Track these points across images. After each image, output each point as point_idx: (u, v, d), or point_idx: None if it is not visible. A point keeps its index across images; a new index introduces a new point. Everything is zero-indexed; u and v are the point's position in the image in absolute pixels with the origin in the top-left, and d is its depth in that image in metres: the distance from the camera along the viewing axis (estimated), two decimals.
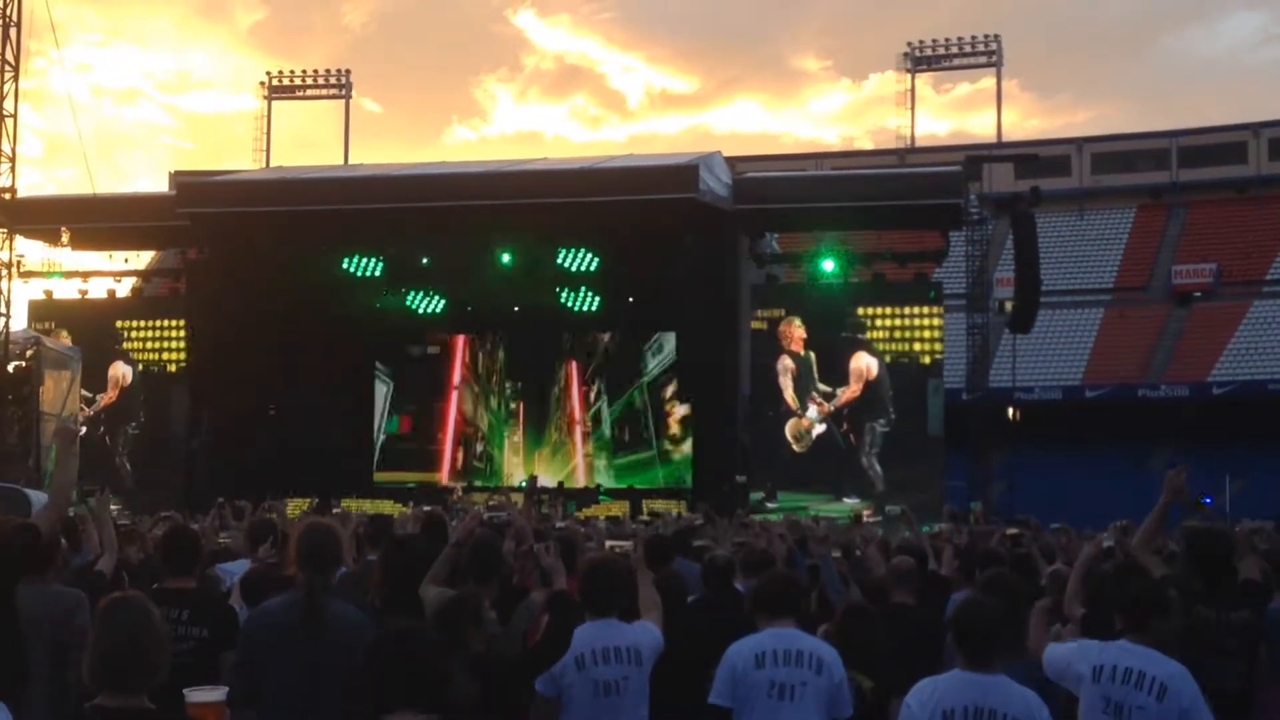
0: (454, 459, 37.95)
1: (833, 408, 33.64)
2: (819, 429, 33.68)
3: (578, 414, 37.27)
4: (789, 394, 33.65)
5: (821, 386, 33.54)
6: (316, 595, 5.86)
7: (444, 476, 37.53)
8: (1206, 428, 44.37)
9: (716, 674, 6.41)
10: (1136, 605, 6.07)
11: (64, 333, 35.80)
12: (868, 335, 33.52)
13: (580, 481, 36.65)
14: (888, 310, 33.59)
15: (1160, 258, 55.31)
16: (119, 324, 36.91)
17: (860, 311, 33.41)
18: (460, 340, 38.18)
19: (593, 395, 37.24)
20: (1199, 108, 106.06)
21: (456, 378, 38.22)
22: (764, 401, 33.62)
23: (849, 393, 33.64)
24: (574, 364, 37.34)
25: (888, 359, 33.17)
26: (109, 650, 4.19)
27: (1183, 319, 51.95)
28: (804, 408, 33.67)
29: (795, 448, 33.73)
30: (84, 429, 35.74)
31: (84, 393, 35.52)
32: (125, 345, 36.76)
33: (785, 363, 33.78)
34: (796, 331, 33.80)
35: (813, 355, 33.58)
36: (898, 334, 33.65)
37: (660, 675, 6.72)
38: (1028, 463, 42.38)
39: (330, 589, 6.06)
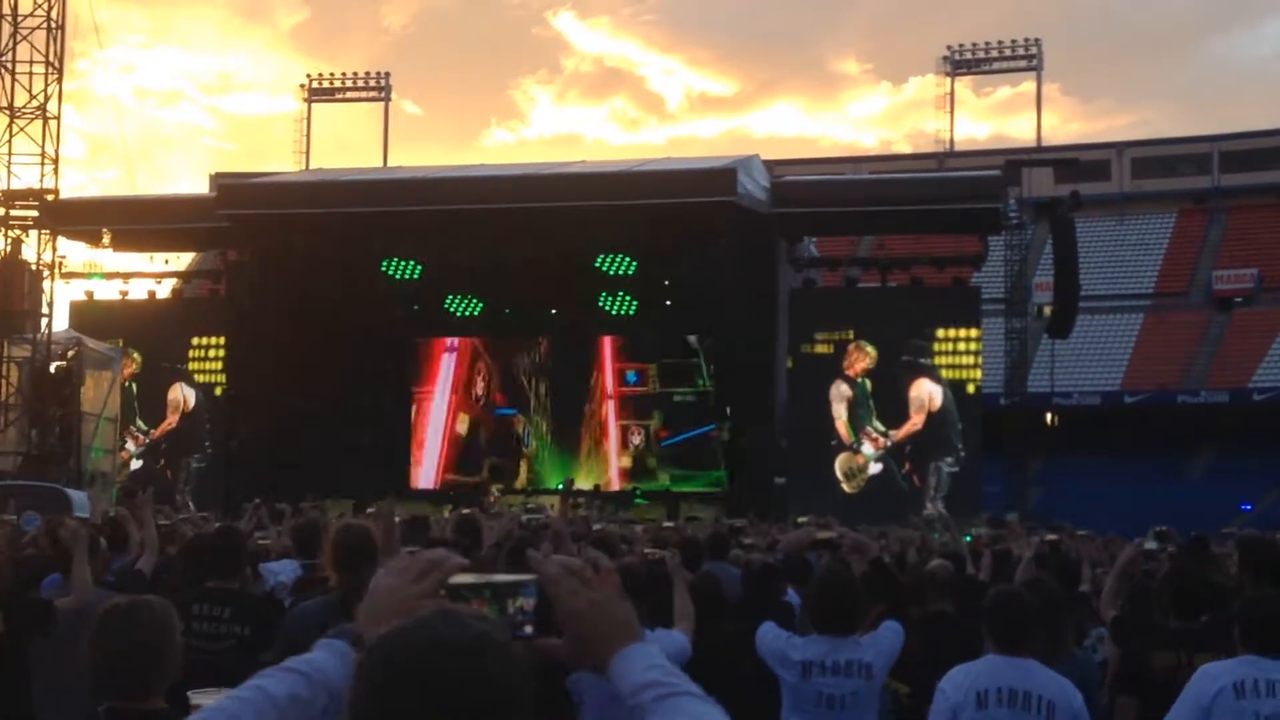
0: (491, 461, 37.93)
1: (891, 443, 32.63)
2: (875, 468, 32.60)
3: (613, 418, 37.20)
4: (841, 425, 32.83)
5: (877, 423, 32.68)
6: (354, 596, 5.88)
7: (481, 478, 37.52)
8: (1246, 434, 44.07)
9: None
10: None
11: (134, 355, 35.52)
12: (933, 360, 32.64)
13: (615, 485, 36.59)
14: (947, 332, 32.97)
15: (1201, 263, 54.96)
16: (195, 340, 35.99)
17: (913, 328, 32.61)
18: (498, 343, 38.13)
19: (629, 399, 37.16)
20: (1241, 112, 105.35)
21: (494, 382, 38.21)
22: (805, 408, 33.33)
23: (910, 426, 32.53)
24: (610, 368, 37.27)
25: (951, 380, 32.40)
26: (104, 657, 4.19)
27: (1223, 325, 51.60)
28: (859, 443, 32.78)
29: (846, 487, 32.57)
30: (139, 462, 35.57)
31: (139, 423, 35.09)
32: (180, 363, 36.06)
33: (840, 389, 32.99)
34: (863, 357, 33.08)
35: (868, 383, 32.92)
36: (958, 359, 32.90)
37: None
38: (1066, 469, 42.20)
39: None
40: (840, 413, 32.95)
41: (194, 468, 35.64)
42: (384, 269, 34.88)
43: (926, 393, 32.65)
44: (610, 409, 37.10)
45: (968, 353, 33.07)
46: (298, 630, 6.00)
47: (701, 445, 35.42)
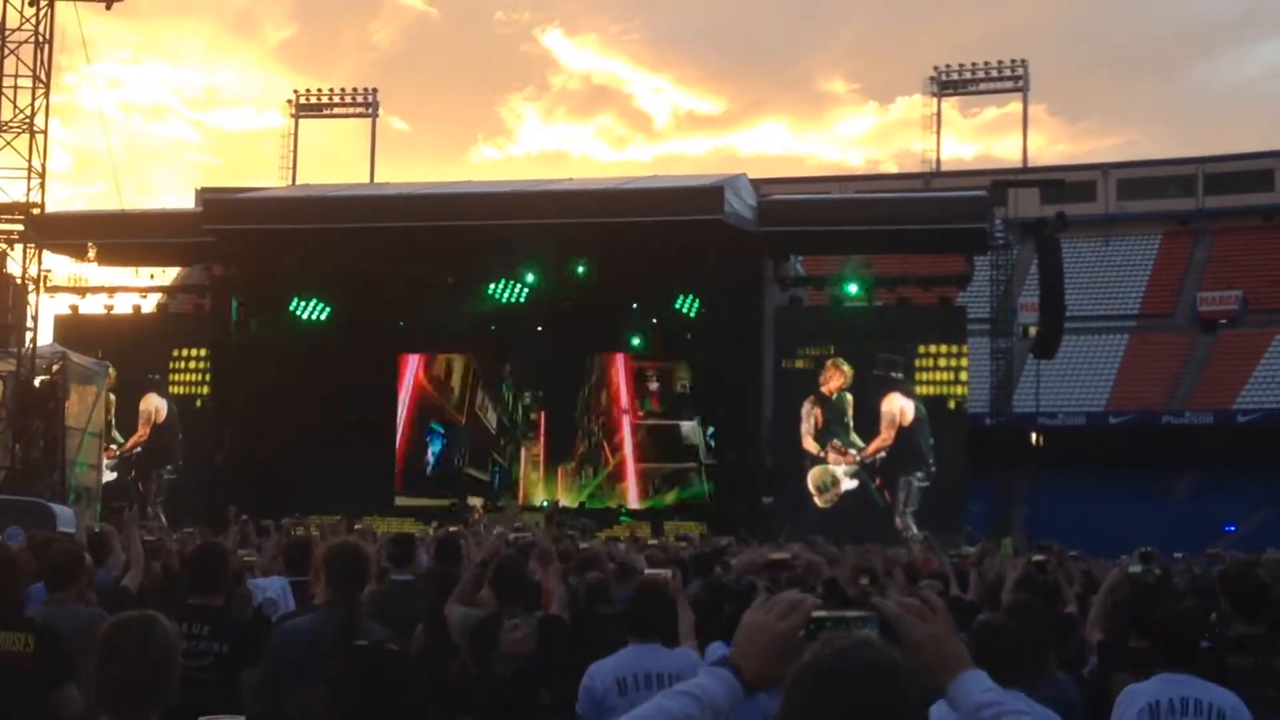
0: (475, 477, 37.89)
1: (860, 458, 32.77)
2: (850, 484, 32.69)
3: (600, 433, 37.19)
4: (809, 442, 32.96)
5: (854, 439, 32.74)
6: (352, 613, 5.88)
7: (465, 495, 37.45)
8: (1231, 455, 44.17)
9: None
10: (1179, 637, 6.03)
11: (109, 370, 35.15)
12: (901, 374, 32.77)
13: (603, 502, 36.56)
14: (930, 348, 33.09)
15: (1186, 284, 55.12)
16: (176, 351, 35.83)
17: (895, 345, 32.78)
18: (483, 358, 38.12)
19: (615, 414, 37.16)
20: (1226, 134, 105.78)
21: (478, 397, 38.20)
22: (787, 425, 33.42)
23: (879, 440, 32.63)
24: (595, 382, 37.28)
25: (923, 395, 32.56)
26: (111, 675, 4.13)
27: (1208, 346, 51.73)
28: (825, 459, 32.81)
29: (818, 501, 32.72)
30: (113, 474, 35.32)
31: (115, 434, 34.85)
32: (156, 373, 35.86)
33: (808, 407, 33.08)
34: (838, 375, 33.12)
35: (849, 398, 33.04)
36: (938, 374, 33.02)
37: None
38: (1051, 489, 42.18)
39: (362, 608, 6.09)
40: (807, 429, 33.01)
41: (165, 479, 35.52)
42: (369, 284, 34.75)
43: (898, 407, 32.76)
44: (595, 421, 37.15)
45: (949, 369, 33.17)
46: (286, 647, 5.98)
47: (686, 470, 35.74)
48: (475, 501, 35.37)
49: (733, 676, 2.81)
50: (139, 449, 35.78)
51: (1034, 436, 44.40)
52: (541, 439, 37.57)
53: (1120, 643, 7.26)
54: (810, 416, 33.07)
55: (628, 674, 6.43)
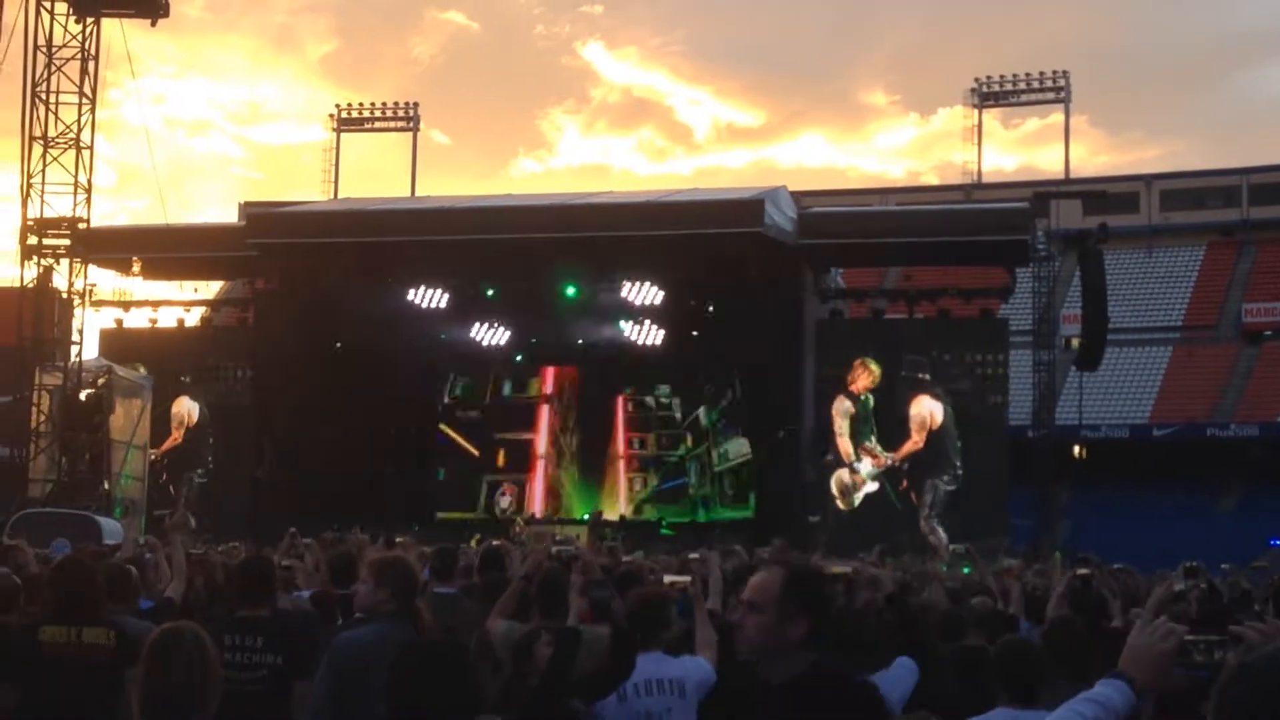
0: (518, 492, 37.92)
1: (891, 460, 32.58)
2: (871, 486, 32.56)
3: (633, 449, 37.19)
4: (843, 441, 32.85)
5: (875, 441, 32.70)
6: (416, 624, 5.97)
7: (507, 509, 37.51)
8: (1276, 468, 43.75)
9: None
10: None
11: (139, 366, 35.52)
12: (928, 375, 32.64)
13: (643, 516, 36.54)
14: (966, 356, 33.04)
15: (1230, 296, 54.69)
16: (219, 365, 36.15)
17: (926, 350, 32.77)
18: (522, 372, 38.22)
19: (657, 428, 37.18)
20: (1270, 145, 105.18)
21: (519, 411, 38.26)
22: (824, 442, 33.33)
23: (910, 444, 32.47)
24: (637, 397, 37.31)
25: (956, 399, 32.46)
26: (158, 688, 4.16)
27: (1252, 358, 51.32)
28: (858, 459, 32.72)
29: (839, 504, 32.65)
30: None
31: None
32: (187, 376, 36.13)
33: (842, 404, 33.00)
34: (865, 374, 33.02)
35: (871, 400, 33.02)
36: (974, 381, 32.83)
37: (709, 709, 6.69)
38: (1093, 502, 41.95)
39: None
40: (842, 428, 32.93)
41: (196, 482, 35.66)
42: (411, 298, 34.90)
43: (927, 410, 32.57)
44: (627, 436, 37.21)
45: (994, 377, 33.04)
46: (348, 660, 5.97)
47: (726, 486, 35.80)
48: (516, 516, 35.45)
49: (1127, 686, 3.41)
50: (168, 454, 35.79)
51: (1077, 449, 44.17)
52: (581, 455, 37.59)
53: None
54: (845, 415, 32.95)
55: (626, 682, 6.47)
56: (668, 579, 9.19)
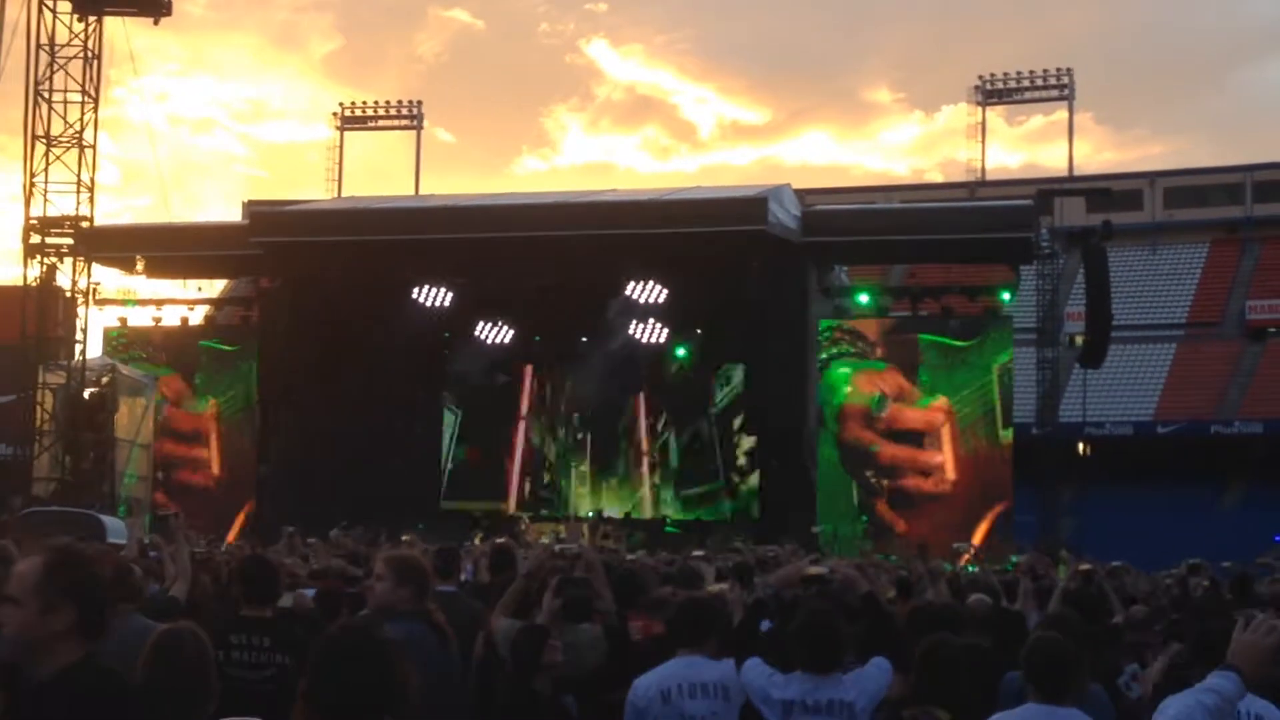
0: (521, 489, 38.00)
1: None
2: None
3: (644, 445, 37.24)
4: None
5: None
6: (433, 620, 6.01)
7: (511, 506, 37.58)
8: None
9: None
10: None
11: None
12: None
13: (647, 513, 36.58)
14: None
15: (1234, 293, 54.64)
16: (222, 362, 36.24)
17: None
18: (528, 370, 38.26)
19: (660, 426, 37.21)
20: (1274, 142, 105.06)
21: (524, 408, 38.30)
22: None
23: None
24: (641, 395, 37.33)
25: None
26: (155, 684, 4.17)
27: (1257, 355, 51.26)
28: None
29: None
30: None
31: None
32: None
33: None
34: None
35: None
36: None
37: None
38: (1098, 499, 41.93)
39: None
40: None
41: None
42: (415, 296, 34.94)
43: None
44: (641, 433, 37.24)
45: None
46: None
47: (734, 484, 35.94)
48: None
49: (1237, 677, 4.02)
50: None
51: (1081, 446, 44.13)
52: (588, 452, 37.65)
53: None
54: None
55: (671, 685, 6.53)
56: (710, 588, 9.10)
